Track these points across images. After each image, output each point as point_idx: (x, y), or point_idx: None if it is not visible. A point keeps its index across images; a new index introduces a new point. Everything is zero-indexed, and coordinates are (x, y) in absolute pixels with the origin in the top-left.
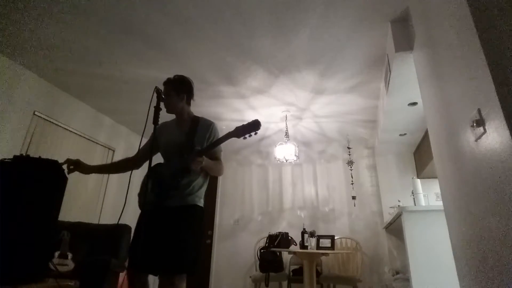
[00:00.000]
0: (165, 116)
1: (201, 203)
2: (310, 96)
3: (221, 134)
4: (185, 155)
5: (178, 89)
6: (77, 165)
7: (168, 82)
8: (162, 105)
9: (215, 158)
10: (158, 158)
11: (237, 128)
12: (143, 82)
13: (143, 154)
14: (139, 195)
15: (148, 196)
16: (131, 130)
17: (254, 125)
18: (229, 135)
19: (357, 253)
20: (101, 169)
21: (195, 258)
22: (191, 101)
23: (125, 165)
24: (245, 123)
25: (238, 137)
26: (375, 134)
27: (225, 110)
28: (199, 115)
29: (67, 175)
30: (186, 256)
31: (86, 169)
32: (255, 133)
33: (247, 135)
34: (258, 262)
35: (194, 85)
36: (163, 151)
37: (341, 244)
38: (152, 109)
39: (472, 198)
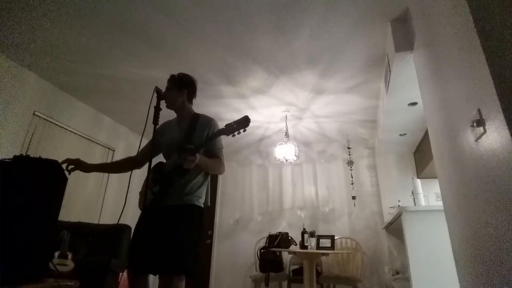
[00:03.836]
0: (165, 116)
1: (199, 203)
2: (310, 96)
3: None
4: (181, 153)
5: (180, 85)
6: (77, 164)
7: (172, 78)
8: (162, 105)
9: (214, 156)
10: (161, 157)
11: (227, 125)
12: (143, 82)
13: (144, 154)
14: (141, 193)
15: (147, 195)
16: (131, 130)
17: (244, 122)
18: (220, 132)
19: (357, 253)
20: (102, 168)
21: (193, 259)
22: (193, 99)
23: (126, 165)
24: (235, 119)
25: (227, 134)
26: (375, 134)
27: (225, 110)
28: None
29: (67, 175)
30: (183, 256)
31: (86, 167)
32: (244, 130)
33: (236, 132)
34: (258, 262)
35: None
36: (164, 150)
37: (341, 244)
38: (152, 109)
39: (472, 198)
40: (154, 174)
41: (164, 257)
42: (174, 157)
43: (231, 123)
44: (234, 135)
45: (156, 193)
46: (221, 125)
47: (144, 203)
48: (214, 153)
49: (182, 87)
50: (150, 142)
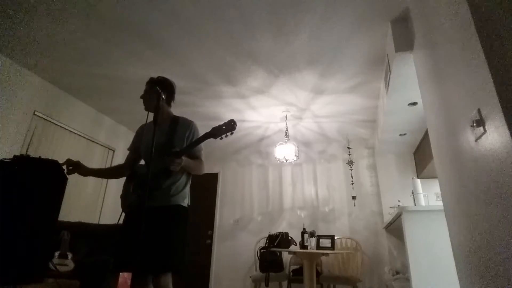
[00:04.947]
0: None
1: (184, 203)
2: (310, 96)
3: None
4: (165, 156)
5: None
6: (77, 167)
7: (150, 81)
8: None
9: (196, 157)
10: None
11: (214, 129)
12: (143, 82)
13: (130, 160)
14: (122, 197)
15: (130, 198)
16: (131, 130)
17: (230, 125)
18: (206, 136)
19: (357, 253)
20: (98, 173)
21: (180, 258)
22: (172, 102)
23: (119, 172)
24: (221, 123)
25: (215, 137)
26: (375, 134)
27: (225, 110)
28: (199, 115)
29: (67, 175)
30: (169, 255)
31: (85, 171)
32: (231, 133)
33: (223, 136)
34: (258, 262)
35: (194, 85)
36: (143, 152)
37: (341, 244)
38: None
39: (472, 198)
40: (136, 177)
41: (150, 256)
42: (155, 159)
43: (217, 126)
44: (221, 138)
45: (141, 195)
46: (215, 125)
47: (126, 206)
48: (195, 155)
49: (161, 91)
50: (132, 148)
